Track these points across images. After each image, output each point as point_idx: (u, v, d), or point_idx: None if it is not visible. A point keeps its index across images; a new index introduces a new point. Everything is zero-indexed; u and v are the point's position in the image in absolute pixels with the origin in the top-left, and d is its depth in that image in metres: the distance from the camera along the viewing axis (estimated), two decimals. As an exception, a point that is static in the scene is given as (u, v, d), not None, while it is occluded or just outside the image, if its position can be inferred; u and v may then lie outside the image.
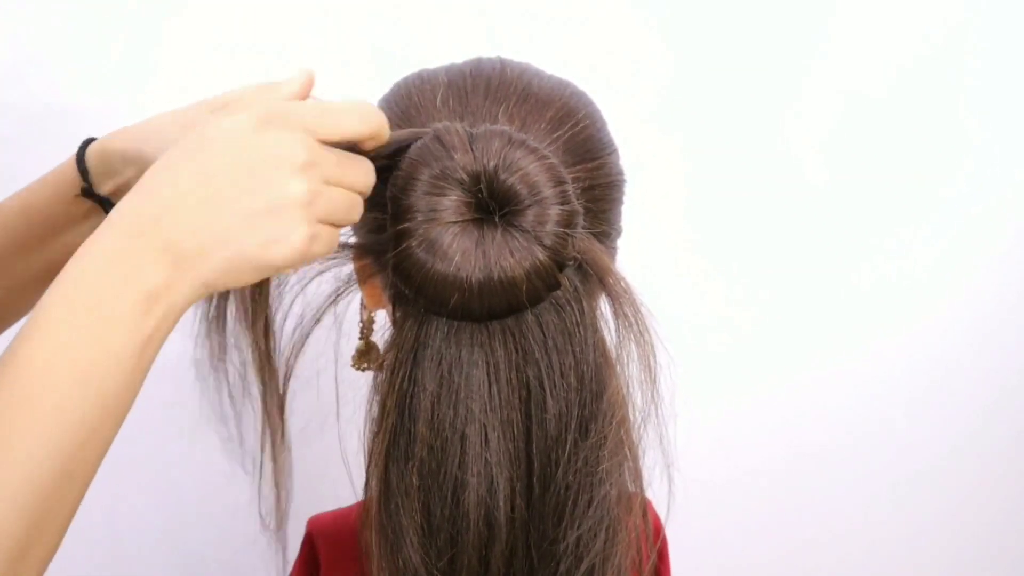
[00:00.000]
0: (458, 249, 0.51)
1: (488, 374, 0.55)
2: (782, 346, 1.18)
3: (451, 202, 0.52)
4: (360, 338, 0.63)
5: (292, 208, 0.46)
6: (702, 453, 1.18)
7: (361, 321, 0.63)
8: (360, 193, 0.51)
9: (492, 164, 0.52)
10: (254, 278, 0.48)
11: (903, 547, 1.29)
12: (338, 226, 0.50)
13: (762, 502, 1.22)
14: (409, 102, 0.58)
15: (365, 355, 0.64)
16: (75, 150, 0.63)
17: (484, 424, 0.55)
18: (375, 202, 0.55)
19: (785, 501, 1.23)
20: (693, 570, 0.93)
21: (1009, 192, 1.19)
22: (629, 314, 0.55)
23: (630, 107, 1.04)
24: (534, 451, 0.56)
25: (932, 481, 1.27)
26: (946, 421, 1.25)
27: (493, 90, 0.57)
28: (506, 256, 0.51)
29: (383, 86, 0.61)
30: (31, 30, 0.90)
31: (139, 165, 0.59)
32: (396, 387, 0.56)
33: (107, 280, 0.44)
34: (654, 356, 0.56)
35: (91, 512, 1.02)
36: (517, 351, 0.55)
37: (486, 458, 0.55)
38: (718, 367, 1.16)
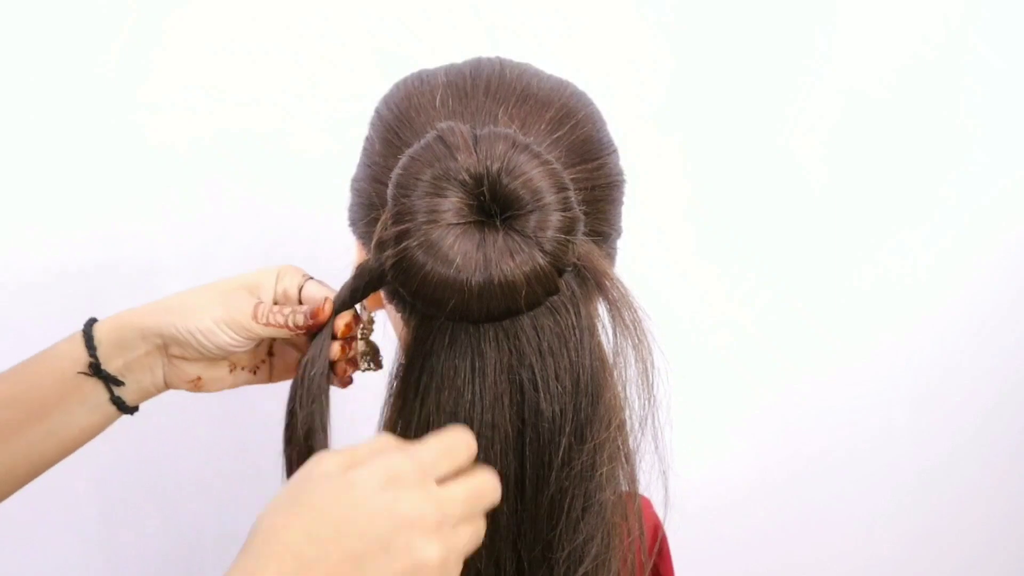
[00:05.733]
0: (459, 251, 0.51)
1: (475, 374, 0.54)
2: (783, 346, 1.18)
3: (452, 204, 0.51)
4: (360, 338, 0.63)
5: (429, 570, 0.47)
6: (704, 453, 1.18)
7: (361, 321, 0.63)
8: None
9: (496, 167, 0.51)
10: None
11: (904, 547, 1.29)
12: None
13: (764, 501, 1.23)
14: (408, 103, 0.57)
15: (366, 355, 0.64)
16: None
17: (469, 424, 0.54)
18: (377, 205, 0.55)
19: (787, 500, 1.23)
20: (696, 569, 0.93)
21: (1009, 192, 1.19)
22: (627, 318, 0.55)
23: (630, 107, 1.04)
24: (526, 453, 0.55)
25: (933, 481, 1.27)
26: (947, 421, 1.25)
27: (493, 91, 0.56)
28: (507, 260, 0.51)
29: (383, 86, 0.61)
30: (31, 30, 0.90)
31: (158, 341, 0.60)
32: (393, 385, 0.57)
33: None
34: (651, 361, 0.55)
35: (90, 509, 1.02)
36: (511, 353, 0.54)
37: None
38: (720, 367, 1.16)
